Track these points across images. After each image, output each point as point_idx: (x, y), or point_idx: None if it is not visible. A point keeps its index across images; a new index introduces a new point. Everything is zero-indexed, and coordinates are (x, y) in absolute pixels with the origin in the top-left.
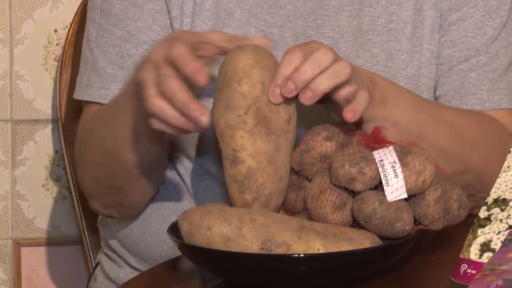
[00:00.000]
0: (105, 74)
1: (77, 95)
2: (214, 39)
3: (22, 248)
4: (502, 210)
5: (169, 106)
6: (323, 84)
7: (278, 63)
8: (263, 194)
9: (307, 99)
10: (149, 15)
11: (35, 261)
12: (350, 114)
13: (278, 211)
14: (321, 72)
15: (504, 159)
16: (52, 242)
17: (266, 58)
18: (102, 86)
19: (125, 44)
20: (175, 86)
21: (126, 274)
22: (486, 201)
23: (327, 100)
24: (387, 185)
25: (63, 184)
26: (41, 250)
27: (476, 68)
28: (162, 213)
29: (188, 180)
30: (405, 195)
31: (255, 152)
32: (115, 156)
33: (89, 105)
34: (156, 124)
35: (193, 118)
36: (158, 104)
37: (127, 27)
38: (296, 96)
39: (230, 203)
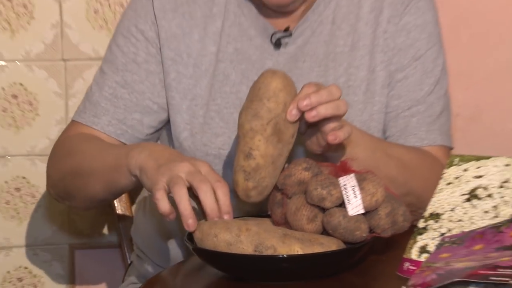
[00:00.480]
0: (98, 106)
1: (74, 117)
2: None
3: (75, 251)
4: (436, 222)
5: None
6: (327, 110)
7: (297, 92)
8: (262, 185)
9: (311, 117)
10: (143, 72)
11: (85, 260)
12: (332, 137)
13: (267, 196)
14: (328, 102)
15: (437, 184)
16: (98, 246)
17: (290, 85)
18: (95, 115)
19: (120, 89)
20: (183, 194)
21: (151, 269)
22: (423, 215)
23: (308, 129)
24: (349, 203)
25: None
26: (90, 252)
27: (417, 115)
28: (179, 224)
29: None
30: (362, 211)
31: (265, 154)
32: (85, 178)
33: (77, 124)
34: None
35: (185, 223)
36: (161, 196)
37: (125, 76)
38: (299, 120)
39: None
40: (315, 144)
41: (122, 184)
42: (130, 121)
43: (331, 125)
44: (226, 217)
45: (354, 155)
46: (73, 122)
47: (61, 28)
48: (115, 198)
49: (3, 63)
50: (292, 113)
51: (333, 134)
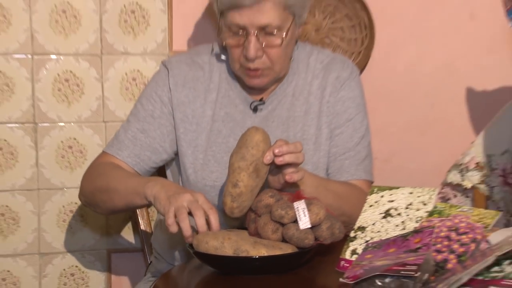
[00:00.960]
0: (122, 143)
1: (104, 149)
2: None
3: (111, 254)
4: (362, 233)
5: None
6: (290, 158)
7: (271, 143)
8: (242, 205)
9: (279, 161)
10: (157, 124)
11: (118, 260)
12: (288, 177)
13: (245, 214)
14: (292, 153)
15: (362, 207)
16: (127, 250)
17: (267, 138)
18: (119, 149)
19: (138, 133)
20: (186, 223)
21: (165, 267)
22: (353, 228)
23: (274, 170)
24: (300, 220)
25: (133, 223)
26: (121, 255)
27: (349, 158)
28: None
29: None
30: (309, 226)
31: (247, 185)
32: (110, 195)
33: (105, 154)
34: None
35: (186, 240)
36: (172, 222)
37: (144, 125)
38: (270, 163)
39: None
40: (276, 182)
41: (138, 204)
42: (143, 156)
43: (290, 170)
44: None
45: (303, 189)
46: (103, 152)
47: (102, 100)
48: (128, 211)
49: (62, 124)
50: (267, 158)
51: (290, 175)
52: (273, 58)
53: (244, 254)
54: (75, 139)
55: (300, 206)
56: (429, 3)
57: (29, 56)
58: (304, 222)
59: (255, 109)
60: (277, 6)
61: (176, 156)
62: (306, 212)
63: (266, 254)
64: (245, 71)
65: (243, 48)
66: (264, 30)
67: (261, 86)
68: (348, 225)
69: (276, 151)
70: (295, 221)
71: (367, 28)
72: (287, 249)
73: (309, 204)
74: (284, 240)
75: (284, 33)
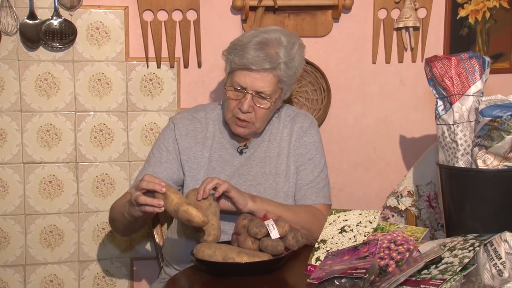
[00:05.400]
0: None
1: (128, 189)
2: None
3: (134, 261)
4: (324, 244)
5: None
6: (209, 186)
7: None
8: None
9: (204, 197)
10: (164, 168)
11: (139, 266)
12: (216, 193)
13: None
14: (210, 183)
15: (322, 227)
16: (145, 258)
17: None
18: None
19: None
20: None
21: (173, 271)
22: (317, 240)
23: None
24: (271, 233)
25: (149, 237)
26: (141, 262)
27: (310, 188)
28: (190, 247)
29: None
30: (278, 236)
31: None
32: (121, 215)
33: (127, 192)
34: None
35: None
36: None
37: (154, 169)
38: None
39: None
40: (231, 207)
41: (132, 211)
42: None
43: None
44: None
45: (264, 208)
46: (126, 192)
47: (127, 145)
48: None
49: (97, 163)
50: (198, 198)
51: (217, 191)
52: (258, 116)
53: (230, 261)
54: (106, 174)
55: (269, 223)
56: (370, 73)
57: (73, 113)
58: (274, 234)
59: (240, 152)
60: (273, 79)
61: (181, 188)
62: (275, 226)
63: (247, 261)
64: (235, 120)
65: (239, 102)
66: (258, 94)
67: (243, 135)
68: (309, 237)
69: (199, 196)
70: (268, 235)
71: (325, 91)
72: (264, 256)
73: (276, 221)
74: (261, 250)
75: (272, 101)
